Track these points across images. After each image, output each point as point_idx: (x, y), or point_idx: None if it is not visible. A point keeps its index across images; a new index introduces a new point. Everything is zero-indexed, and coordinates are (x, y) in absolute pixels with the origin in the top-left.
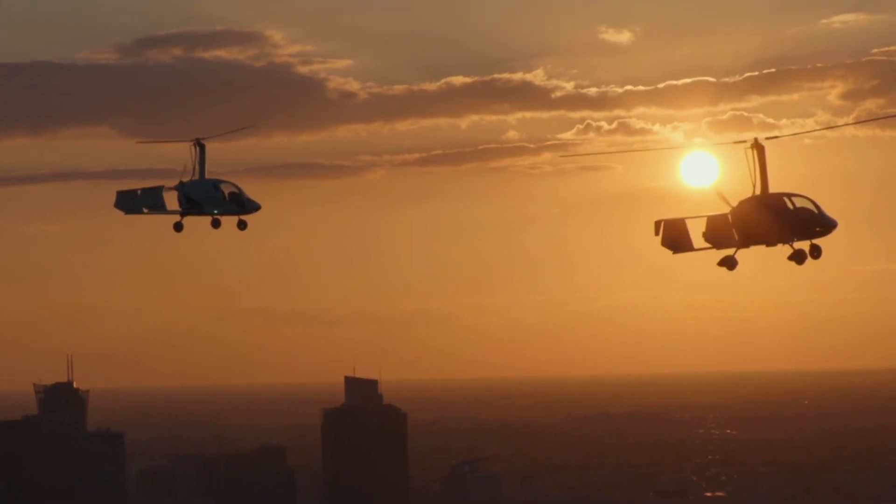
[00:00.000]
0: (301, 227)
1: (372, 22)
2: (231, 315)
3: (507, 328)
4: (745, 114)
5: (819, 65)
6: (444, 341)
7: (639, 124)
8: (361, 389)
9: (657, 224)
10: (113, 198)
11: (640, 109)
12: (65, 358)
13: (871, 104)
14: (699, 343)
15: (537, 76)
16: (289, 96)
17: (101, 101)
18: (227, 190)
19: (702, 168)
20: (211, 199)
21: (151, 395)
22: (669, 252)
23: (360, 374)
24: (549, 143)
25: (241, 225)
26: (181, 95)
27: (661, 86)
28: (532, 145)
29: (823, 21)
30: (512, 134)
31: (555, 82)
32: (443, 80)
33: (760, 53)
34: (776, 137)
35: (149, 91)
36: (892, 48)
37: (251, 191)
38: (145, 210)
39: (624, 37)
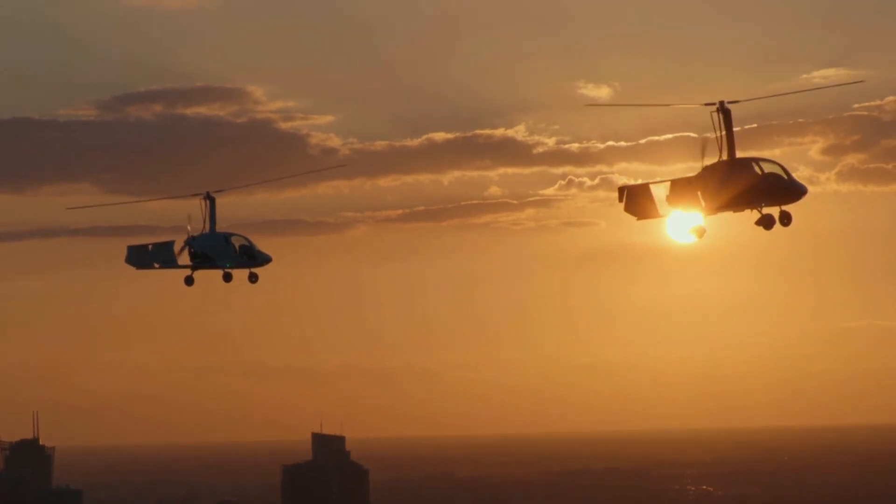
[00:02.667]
0: (284, 284)
1: (353, 78)
2: (212, 371)
3: (489, 384)
4: None
5: (800, 120)
6: (427, 397)
7: (621, 180)
8: (328, 446)
9: (621, 190)
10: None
11: (623, 165)
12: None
13: (853, 159)
14: (681, 399)
15: (519, 132)
16: (270, 152)
17: (82, 158)
18: (237, 243)
19: (684, 223)
20: (222, 252)
21: (125, 452)
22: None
23: (347, 431)
24: (531, 198)
25: (253, 278)
26: (162, 152)
27: (642, 141)
28: (514, 201)
29: (804, 76)
30: (494, 190)
31: (536, 138)
32: (424, 137)
33: (741, 108)
34: (738, 102)
35: (130, 147)
36: (872, 103)
37: None
38: (157, 265)
39: (603, 92)
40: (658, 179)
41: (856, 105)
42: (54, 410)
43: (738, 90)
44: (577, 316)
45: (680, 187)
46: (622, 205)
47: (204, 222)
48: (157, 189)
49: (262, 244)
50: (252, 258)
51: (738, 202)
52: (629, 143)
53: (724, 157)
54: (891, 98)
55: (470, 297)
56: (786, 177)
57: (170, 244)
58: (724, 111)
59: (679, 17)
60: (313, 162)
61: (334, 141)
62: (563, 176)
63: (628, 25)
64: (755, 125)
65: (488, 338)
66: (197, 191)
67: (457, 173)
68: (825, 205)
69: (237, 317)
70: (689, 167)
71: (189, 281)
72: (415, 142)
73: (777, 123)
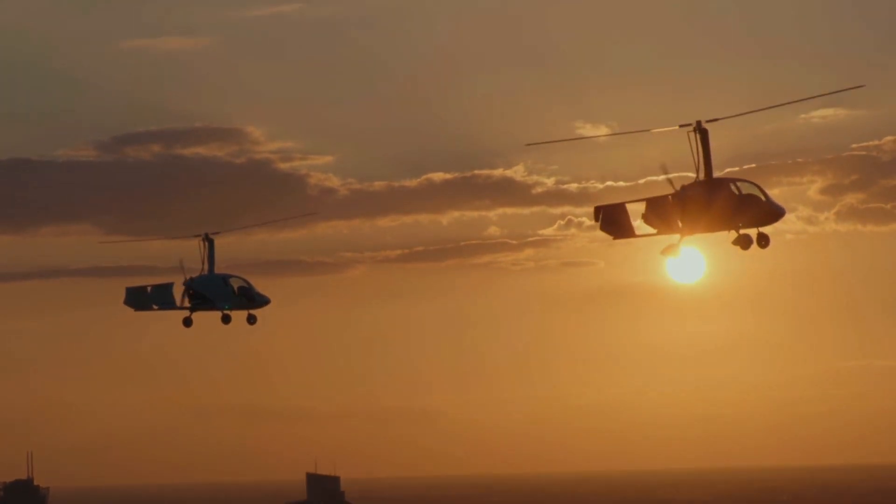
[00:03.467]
0: (283, 324)
1: (351, 118)
2: (210, 412)
3: (488, 424)
4: None
5: (799, 160)
6: (427, 437)
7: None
8: (322, 486)
9: (596, 210)
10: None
11: None
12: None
13: (852, 199)
14: (680, 439)
15: (517, 172)
16: (269, 192)
17: (81, 198)
18: (236, 284)
19: (684, 263)
20: (221, 294)
21: (121, 492)
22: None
23: (342, 471)
24: (530, 238)
25: (251, 319)
26: (161, 192)
27: (641, 181)
28: (514, 241)
29: (803, 116)
30: (493, 230)
31: (535, 178)
32: (423, 177)
33: (740, 148)
34: (717, 120)
35: (129, 188)
36: (871, 143)
37: None
38: (155, 307)
39: (601, 131)
40: (634, 199)
41: (854, 145)
42: (49, 450)
43: (738, 129)
44: (577, 356)
45: (656, 207)
46: (598, 224)
47: (203, 264)
48: (157, 229)
49: (261, 284)
50: (251, 300)
51: (715, 223)
52: (628, 183)
53: (702, 176)
54: (889, 138)
55: (469, 337)
56: (764, 198)
57: (168, 286)
58: (700, 131)
59: (678, 56)
60: (312, 202)
61: (333, 181)
62: (563, 216)
63: (626, 64)
64: (754, 165)
65: (487, 378)
66: (197, 231)
67: (456, 213)
68: (824, 244)
69: (235, 357)
70: None
71: (187, 322)
72: (414, 182)
73: (776, 163)
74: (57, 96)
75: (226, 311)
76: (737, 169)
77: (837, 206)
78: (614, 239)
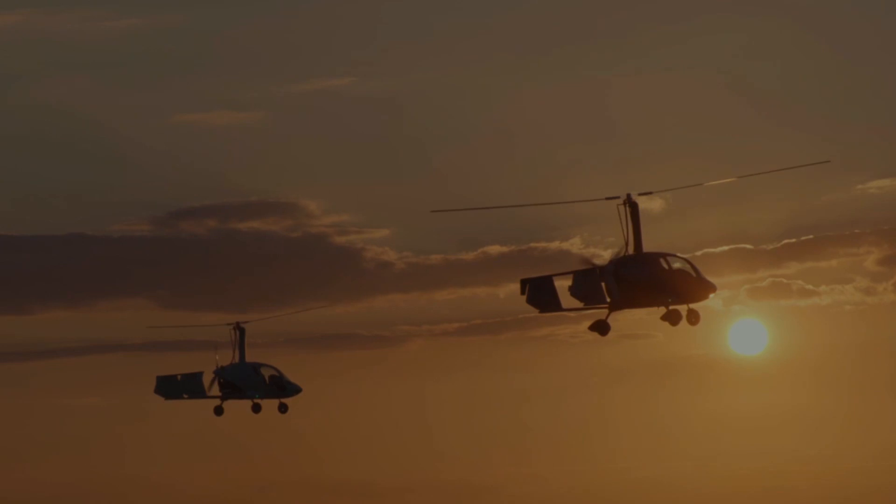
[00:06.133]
0: (342, 398)
1: (407, 191)
2: (270, 487)
3: (548, 498)
4: (784, 280)
5: (856, 231)
6: None
7: None
8: None
9: (523, 283)
10: (152, 370)
11: None
12: None
13: None
14: None
15: (574, 244)
16: (325, 267)
17: (136, 273)
18: (267, 373)
19: (746, 335)
20: (251, 383)
21: None
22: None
23: None
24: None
25: (282, 408)
26: (216, 267)
27: (698, 253)
28: (572, 314)
29: (859, 187)
30: None
31: (592, 250)
32: (479, 250)
33: (797, 220)
34: (650, 193)
35: (183, 263)
36: None
37: (290, 362)
38: (185, 396)
39: (656, 204)
40: (561, 272)
41: None
42: None
43: (793, 200)
44: (637, 429)
45: (583, 280)
46: (525, 298)
47: (234, 352)
48: (213, 304)
49: (318, 358)
50: (282, 389)
51: (644, 297)
52: (684, 255)
53: (631, 250)
54: None
55: (528, 411)
56: (694, 274)
57: (198, 375)
58: (631, 204)
59: (731, 131)
60: (369, 276)
61: (389, 255)
62: None
63: (680, 135)
64: (811, 236)
65: (546, 451)
66: (250, 305)
67: (513, 286)
68: (884, 316)
69: (294, 432)
70: (744, 279)
71: (218, 411)
72: (470, 255)
73: (832, 234)
74: (111, 172)
75: (256, 400)
76: (793, 240)
77: (895, 277)
78: (540, 312)
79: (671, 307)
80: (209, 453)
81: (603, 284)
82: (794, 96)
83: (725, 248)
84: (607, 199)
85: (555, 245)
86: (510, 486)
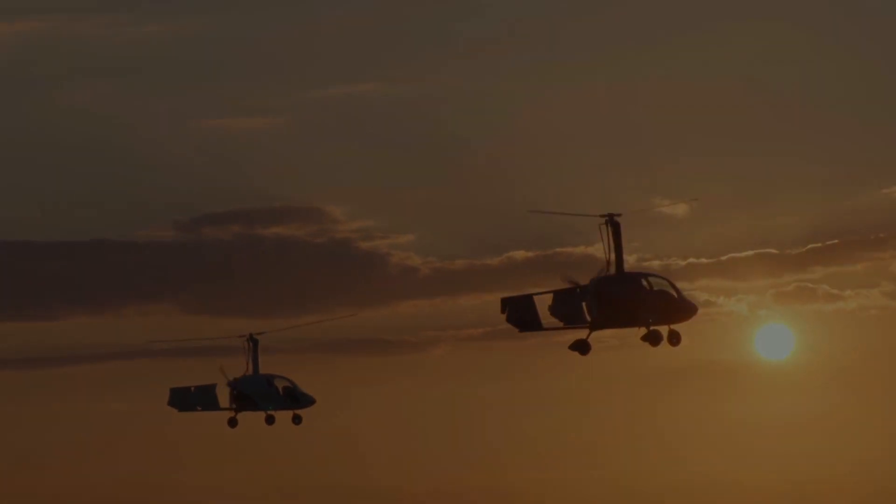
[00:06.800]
0: (368, 403)
1: (431, 196)
2: (297, 493)
3: (575, 503)
4: (810, 285)
5: (882, 235)
6: None
7: (703, 296)
8: None
9: (503, 302)
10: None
11: (704, 281)
12: None
13: None
14: None
15: (598, 249)
16: (350, 272)
17: (161, 279)
18: (280, 385)
19: (771, 339)
20: (265, 395)
21: None
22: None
23: None
24: None
25: (296, 419)
26: (241, 272)
27: (723, 258)
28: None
29: (884, 190)
30: None
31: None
32: (504, 255)
33: (822, 224)
34: (619, 215)
35: (208, 268)
36: None
37: (315, 369)
38: (199, 408)
39: (680, 209)
40: (541, 291)
41: None
42: None
43: (818, 204)
44: (664, 434)
45: (564, 299)
46: (507, 317)
47: (247, 364)
48: (237, 309)
49: (344, 364)
50: (295, 400)
51: (624, 317)
52: (710, 260)
53: (612, 270)
54: None
55: (555, 416)
56: (675, 295)
57: (212, 387)
58: (613, 224)
59: (758, 137)
60: (393, 281)
61: (414, 260)
62: None
63: (705, 141)
64: (836, 240)
65: (573, 456)
66: (274, 311)
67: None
68: None
69: (321, 439)
70: (769, 283)
71: (233, 423)
72: (495, 260)
73: (857, 238)
74: (135, 178)
75: (269, 413)
76: (818, 245)
77: None
78: (520, 331)
79: (652, 328)
80: (232, 457)
81: (584, 304)
82: (817, 101)
83: (751, 252)
84: (586, 215)
85: (579, 250)
86: (533, 490)
